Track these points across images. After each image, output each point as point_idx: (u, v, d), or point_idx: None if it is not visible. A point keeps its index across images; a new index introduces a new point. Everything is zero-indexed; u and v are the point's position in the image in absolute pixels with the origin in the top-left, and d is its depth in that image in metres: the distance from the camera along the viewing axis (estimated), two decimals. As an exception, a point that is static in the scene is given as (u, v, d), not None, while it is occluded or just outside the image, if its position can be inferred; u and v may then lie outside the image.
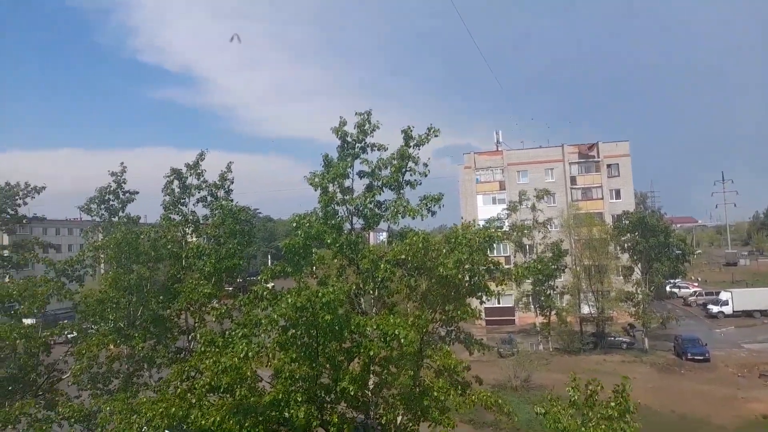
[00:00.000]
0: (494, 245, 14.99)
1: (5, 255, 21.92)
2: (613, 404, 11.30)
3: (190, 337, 18.48)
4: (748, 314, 56.74)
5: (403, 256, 14.03)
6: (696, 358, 41.57)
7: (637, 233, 45.68)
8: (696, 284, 75.04)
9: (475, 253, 13.64)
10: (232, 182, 20.56)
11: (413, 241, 13.58)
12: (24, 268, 21.62)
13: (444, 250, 13.85)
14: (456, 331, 15.59)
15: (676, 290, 69.34)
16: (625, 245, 47.36)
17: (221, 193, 20.54)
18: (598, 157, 62.97)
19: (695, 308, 63.66)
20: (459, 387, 13.78)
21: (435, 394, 12.62)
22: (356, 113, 14.32)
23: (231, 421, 10.27)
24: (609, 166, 62.72)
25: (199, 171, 20.24)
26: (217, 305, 16.69)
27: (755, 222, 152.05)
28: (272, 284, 13.42)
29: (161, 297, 17.81)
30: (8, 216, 22.00)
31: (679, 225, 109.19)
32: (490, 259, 14.65)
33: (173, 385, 13.40)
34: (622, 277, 48.55)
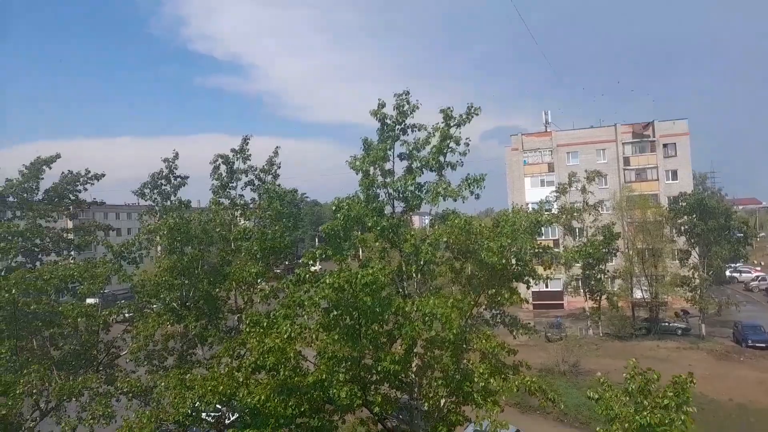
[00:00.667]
0: (542, 229, 14.63)
1: (68, 238, 23.17)
2: (670, 394, 10.87)
3: (238, 318, 19.08)
4: (817, 301, 53.53)
5: (444, 239, 13.93)
6: (757, 345, 39.64)
7: (695, 215, 43.63)
8: (759, 269, 71.26)
9: (520, 238, 13.37)
10: (279, 167, 20.97)
11: (454, 224, 13.44)
12: (85, 251, 22.78)
13: (486, 234, 13.65)
14: (501, 314, 15.42)
15: (736, 275, 66.20)
16: (682, 228, 45.34)
17: (269, 177, 20.98)
18: (654, 137, 60.22)
19: (757, 294, 60.54)
20: (502, 371, 13.66)
21: (476, 379, 12.54)
22: (395, 95, 14.17)
23: (276, 400, 10.57)
24: (665, 145, 59.88)
25: (245, 155, 20.71)
26: (264, 286, 17.14)
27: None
28: (317, 267, 13.61)
29: (211, 278, 18.42)
30: (70, 201, 23.19)
31: (741, 207, 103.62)
32: (537, 243, 14.34)
33: (223, 362, 13.93)
34: (678, 261, 46.64)
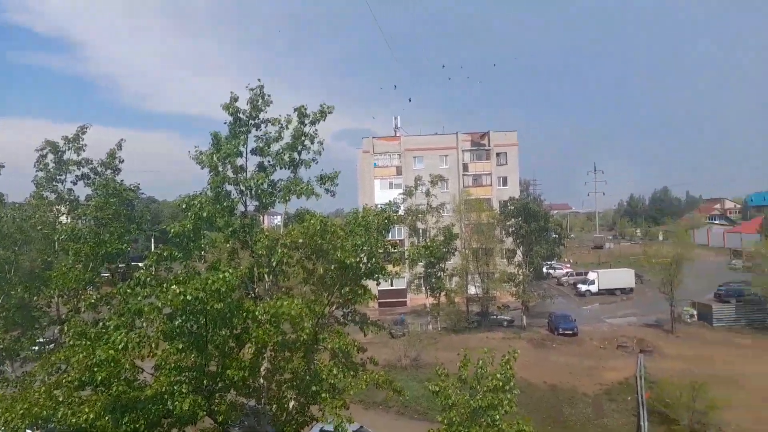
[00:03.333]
0: (390, 229, 15.21)
1: None
2: (498, 375, 12.06)
3: (59, 329, 16.88)
4: (610, 292, 63.30)
5: (300, 240, 13.80)
6: (566, 332, 45.68)
7: (520, 218, 48.89)
8: (568, 265, 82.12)
9: (372, 236, 13.77)
10: (122, 161, 18.94)
11: (311, 224, 13.41)
12: None
13: (341, 234, 13.84)
14: (352, 313, 15.73)
15: (551, 271, 75.39)
16: (510, 229, 50.52)
17: (108, 172, 18.84)
18: (489, 146, 66.30)
19: (567, 287, 69.76)
20: (351, 369, 13.97)
21: (324, 377, 12.66)
22: (248, 88, 13.66)
23: (106, 418, 9.51)
24: (498, 154, 66.27)
25: (79, 145, 18.38)
26: (92, 293, 15.35)
27: (619, 209, 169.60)
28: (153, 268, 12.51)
29: (28, 284, 16.04)
30: None
31: (556, 211, 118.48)
32: (386, 242, 14.87)
33: (38, 379, 12.18)
34: (505, 260, 51.84)
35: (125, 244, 17.25)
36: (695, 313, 50.19)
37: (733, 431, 28.43)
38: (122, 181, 18.58)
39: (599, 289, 63.70)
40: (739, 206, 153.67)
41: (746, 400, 30.88)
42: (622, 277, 65.00)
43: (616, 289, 63.77)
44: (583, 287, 64.82)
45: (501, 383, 12.08)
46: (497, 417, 11.72)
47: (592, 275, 66.00)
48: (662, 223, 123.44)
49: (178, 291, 9.32)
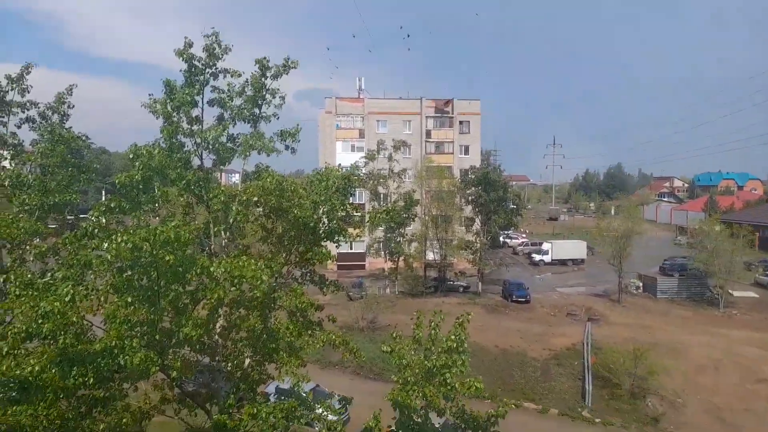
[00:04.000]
0: (352, 191, 14.97)
1: None
2: (453, 336, 12.26)
3: (3, 279, 16.03)
4: (563, 263, 65.47)
5: (255, 198, 13.44)
6: (519, 300, 47.12)
7: (480, 187, 49.45)
8: (524, 236, 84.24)
9: (333, 196, 13.55)
10: (71, 107, 17.75)
11: (267, 183, 13.05)
12: None
13: (300, 192, 13.56)
14: (311, 273, 15.59)
15: (508, 240, 77.16)
16: (469, 198, 51.11)
17: (56, 117, 17.66)
18: (453, 113, 66.24)
19: (522, 257, 71.72)
20: (308, 327, 13.92)
21: (281, 335, 12.57)
22: (203, 35, 12.90)
23: (53, 371, 9.16)
24: (461, 122, 66.39)
25: (23, 86, 17.11)
26: (40, 243, 14.59)
27: (575, 183, 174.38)
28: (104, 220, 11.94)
29: (-35, 232, 15.04)
30: None
31: (515, 182, 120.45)
32: (348, 204, 14.67)
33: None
34: (464, 227, 52.62)
35: (74, 195, 16.40)
36: (641, 284, 52.58)
37: (669, 395, 30.22)
38: (71, 128, 17.52)
39: (552, 260, 65.74)
40: (687, 185, 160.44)
41: (683, 367, 32.84)
42: (575, 249, 67.21)
43: (568, 259, 65.95)
44: (537, 257, 66.71)
45: (455, 345, 12.30)
46: (449, 376, 11.96)
47: (546, 246, 67.93)
48: (615, 198, 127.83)
49: (125, 238, 8.91)
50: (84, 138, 18.49)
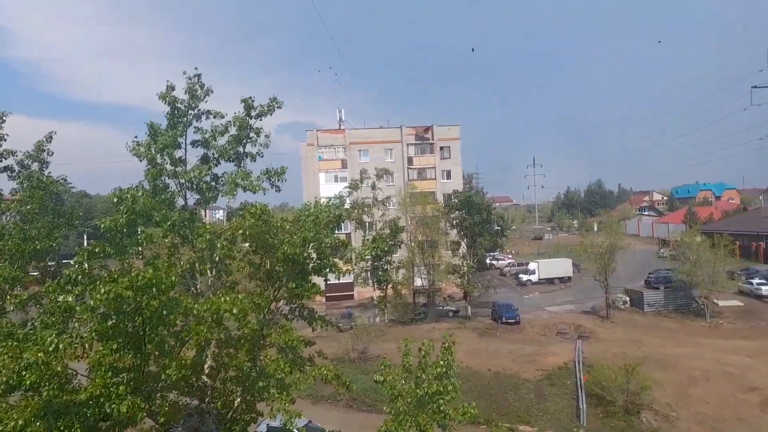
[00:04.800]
0: (340, 225, 15.07)
1: None
2: (441, 362, 12.27)
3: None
4: (550, 281, 65.80)
5: (241, 232, 13.44)
6: (509, 321, 47.08)
7: (464, 211, 49.87)
8: (510, 256, 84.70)
9: (322, 231, 13.60)
10: (51, 154, 17.69)
11: (249, 212, 13.02)
12: None
13: (287, 227, 13.59)
14: (300, 308, 15.53)
15: (494, 262, 77.52)
16: (454, 222, 51.44)
17: (35, 166, 17.55)
18: (433, 140, 67.13)
19: (509, 277, 71.89)
20: (299, 364, 13.79)
21: (271, 372, 12.45)
22: (185, 75, 13.10)
23: (38, 424, 8.95)
24: (442, 148, 67.26)
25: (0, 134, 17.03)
26: (19, 292, 14.36)
27: (557, 202, 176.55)
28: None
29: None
30: None
31: (498, 204, 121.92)
32: (335, 237, 14.72)
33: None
34: (450, 252, 52.78)
35: (55, 241, 16.22)
36: (628, 299, 52.96)
37: (662, 408, 30.22)
38: (50, 173, 17.43)
39: (539, 279, 66.05)
40: (666, 198, 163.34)
41: (674, 379, 32.95)
42: (561, 267, 67.67)
43: (555, 278, 66.31)
44: (524, 277, 66.98)
45: (444, 369, 12.31)
46: (442, 403, 11.93)
47: (532, 265, 68.32)
48: (597, 214, 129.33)
49: (107, 288, 8.85)
50: (63, 182, 18.38)
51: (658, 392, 30.85)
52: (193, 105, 13.32)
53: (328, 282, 14.76)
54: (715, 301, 48.55)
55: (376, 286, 50.14)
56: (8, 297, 14.47)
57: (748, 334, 42.01)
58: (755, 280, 54.67)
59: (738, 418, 29.11)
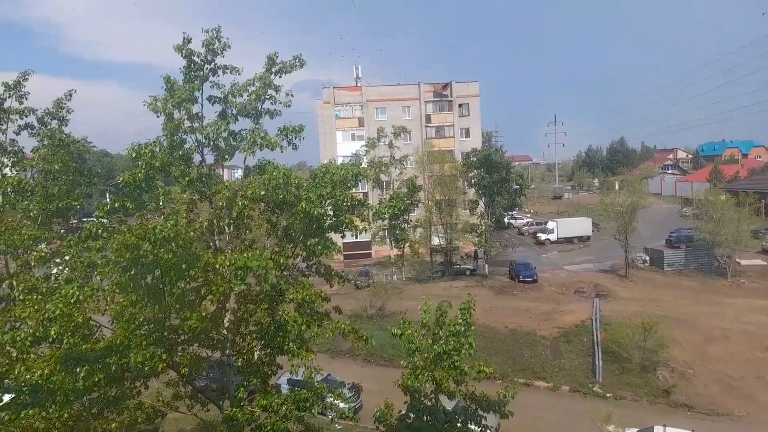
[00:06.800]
0: (359, 183, 14.92)
1: None
2: (459, 320, 12.30)
3: (8, 285, 16.12)
4: (569, 240, 65.36)
5: (262, 192, 13.39)
6: (526, 280, 47.15)
7: (482, 170, 49.28)
8: (529, 215, 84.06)
9: (338, 188, 13.48)
10: (70, 112, 17.70)
11: (273, 176, 12.97)
12: None
13: (305, 185, 13.49)
14: (317, 265, 15.61)
15: (513, 221, 77.04)
16: (472, 181, 50.97)
17: (54, 122, 17.62)
18: (451, 97, 65.80)
19: (527, 237, 71.60)
20: (317, 319, 13.95)
21: (290, 328, 12.61)
22: (203, 30, 12.82)
23: (62, 373, 9.23)
24: (460, 105, 65.96)
25: (20, 93, 17.06)
26: (43, 248, 14.66)
27: (578, 160, 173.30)
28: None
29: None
30: None
31: (517, 162, 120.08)
32: (352, 195, 14.60)
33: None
34: (468, 211, 52.53)
35: (77, 199, 16.42)
36: (648, 258, 52.47)
37: (679, 366, 30.28)
38: (70, 133, 17.49)
39: (558, 238, 65.61)
40: (691, 156, 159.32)
41: (692, 338, 32.87)
42: (580, 226, 67.03)
43: (574, 237, 65.81)
44: (542, 236, 66.60)
45: (462, 329, 12.33)
46: (457, 359, 12.02)
47: (551, 224, 67.77)
48: (618, 173, 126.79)
49: (121, 238, 8.93)
50: (85, 141, 18.46)
51: (676, 350, 30.87)
52: (210, 59, 13.06)
53: (346, 240, 14.72)
54: (737, 260, 47.82)
55: (393, 245, 50.33)
56: (35, 253, 14.83)
57: (770, 294, 41.49)
58: (780, 239, 53.65)
59: (756, 376, 29.08)
